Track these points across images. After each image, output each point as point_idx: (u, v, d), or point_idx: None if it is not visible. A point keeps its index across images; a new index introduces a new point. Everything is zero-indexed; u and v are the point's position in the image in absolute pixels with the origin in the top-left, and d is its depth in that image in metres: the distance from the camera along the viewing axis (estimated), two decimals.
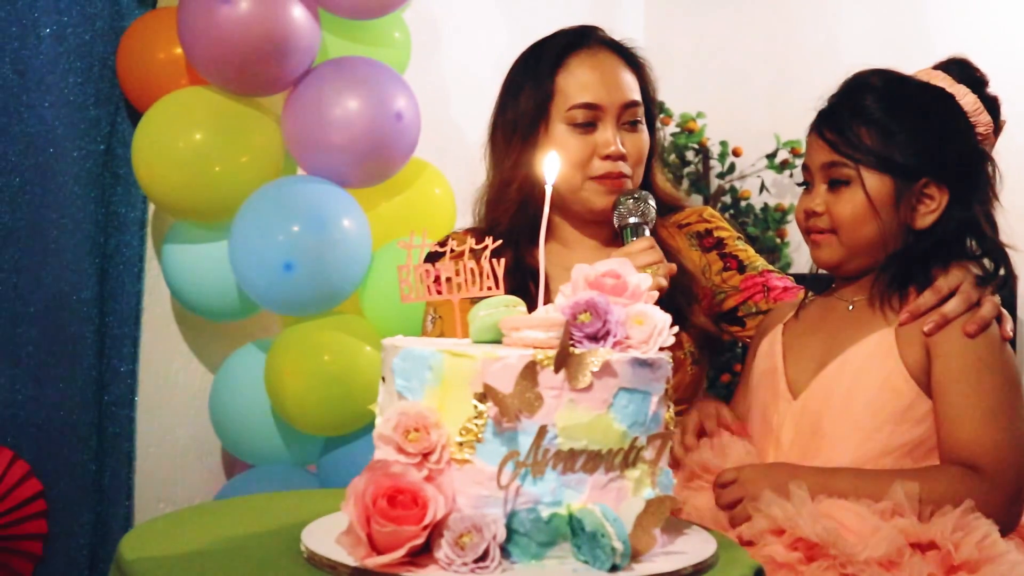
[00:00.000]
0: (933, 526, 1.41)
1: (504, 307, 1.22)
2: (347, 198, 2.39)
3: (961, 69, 1.69)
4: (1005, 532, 1.48)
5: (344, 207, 2.37)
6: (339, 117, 2.35)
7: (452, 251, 1.87)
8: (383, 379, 1.22)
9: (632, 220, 1.81)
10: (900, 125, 1.62)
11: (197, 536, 1.30)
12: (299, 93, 2.39)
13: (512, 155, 1.90)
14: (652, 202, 1.83)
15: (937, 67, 1.72)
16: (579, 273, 1.27)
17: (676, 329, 1.23)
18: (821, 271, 1.74)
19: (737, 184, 3.50)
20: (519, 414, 1.12)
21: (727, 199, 3.49)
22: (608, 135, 1.85)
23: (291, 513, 1.37)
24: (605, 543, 1.10)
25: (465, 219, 2.74)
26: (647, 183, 1.94)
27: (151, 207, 2.54)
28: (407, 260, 1.29)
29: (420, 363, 1.16)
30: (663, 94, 2.11)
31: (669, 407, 1.21)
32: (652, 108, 1.96)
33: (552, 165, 1.36)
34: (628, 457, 1.16)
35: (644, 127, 1.91)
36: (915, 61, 3.08)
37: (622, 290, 1.25)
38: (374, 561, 1.10)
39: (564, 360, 1.12)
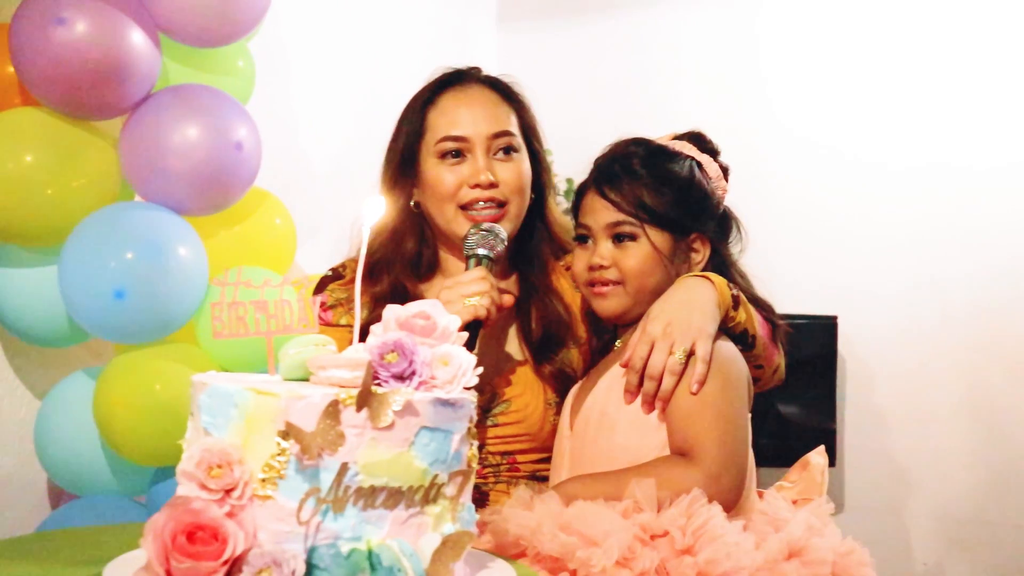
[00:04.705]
0: (665, 516, 1.54)
1: (313, 346, 1.25)
2: (183, 226, 2.37)
3: (700, 141, 1.91)
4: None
5: (180, 235, 2.35)
6: (178, 144, 2.33)
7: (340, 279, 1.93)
8: (191, 415, 1.23)
9: (480, 252, 1.84)
10: (670, 188, 1.81)
11: None
12: (137, 119, 2.37)
13: (390, 190, 1.96)
14: (503, 236, 1.86)
15: (680, 138, 1.92)
16: (390, 313, 1.31)
17: (480, 370, 1.27)
18: None
19: None
20: (321, 452, 1.14)
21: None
22: (477, 165, 1.89)
23: (101, 548, 1.36)
24: None
25: (306, 250, 2.75)
26: (541, 216, 1.98)
27: None
28: (220, 297, 1.31)
29: (226, 400, 1.18)
30: None
31: (471, 444, 1.25)
32: (534, 141, 1.99)
33: (373, 208, 1.40)
34: (429, 494, 1.19)
35: (522, 157, 1.95)
36: (748, 114, 3.27)
37: (431, 331, 1.29)
38: None
39: (366, 399, 1.16)
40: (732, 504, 1.64)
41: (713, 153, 1.91)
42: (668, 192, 1.80)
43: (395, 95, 3.21)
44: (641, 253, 1.79)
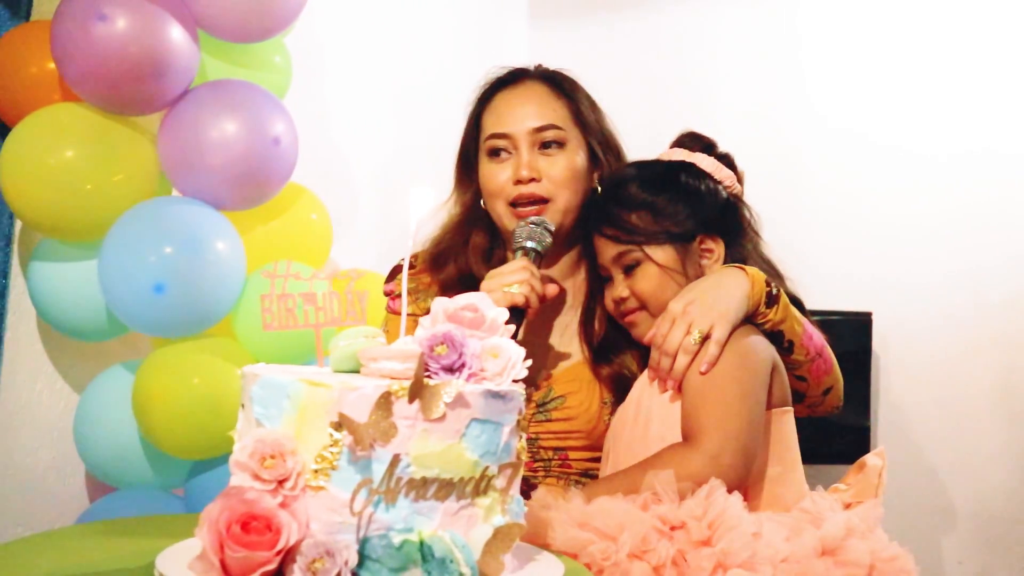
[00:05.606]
0: (683, 507, 1.55)
1: (363, 337, 1.26)
2: (221, 220, 2.39)
3: (693, 140, 1.95)
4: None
5: (218, 229, 2.36)
6: (216, 139, 2.34)
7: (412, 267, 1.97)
8: (242, 406, 1.24)
9: (527, 244, 1.88)
10: (662, 199, 1.85)
11: (50, 561, 1.29)
12: (176, 114, 2.38)
13: (457, 189, 2.03)
14: (551, 228, 1.89)
15: (673, 145, 1.97)
16: (439, 306, 1.31)
17: (530, 362, 1.28)
18: None
19: None
20: (373, 443, 1.15)
21: None
22: (520, 160, 1.92)
23: (150, 538, 1.37)
24: (454, 568, 1.14)
25: (342, 244, 2.77)
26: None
27: (18, 222, 2.49)
28: (270, 289, 1.31)
29: (278, 391, 1.18)
30: None
31: (521, 437, 1.26)
32: (586, 134, 1.97)
33: (418, 200, 1.40)
34: (479, 485, 1.20)
35: (570, 150, 1.94)
36: (785, 107, 3.22)
37: (479, 323, 1.29)
38: None
39: (418, 391, 1.16)
40: (736, 484, 1.63)
41: (708, 148, 1.94)
42: (659, 205, 1.84)
43: (429, 91, 3.23)
44: (649, 274, 1.84)
